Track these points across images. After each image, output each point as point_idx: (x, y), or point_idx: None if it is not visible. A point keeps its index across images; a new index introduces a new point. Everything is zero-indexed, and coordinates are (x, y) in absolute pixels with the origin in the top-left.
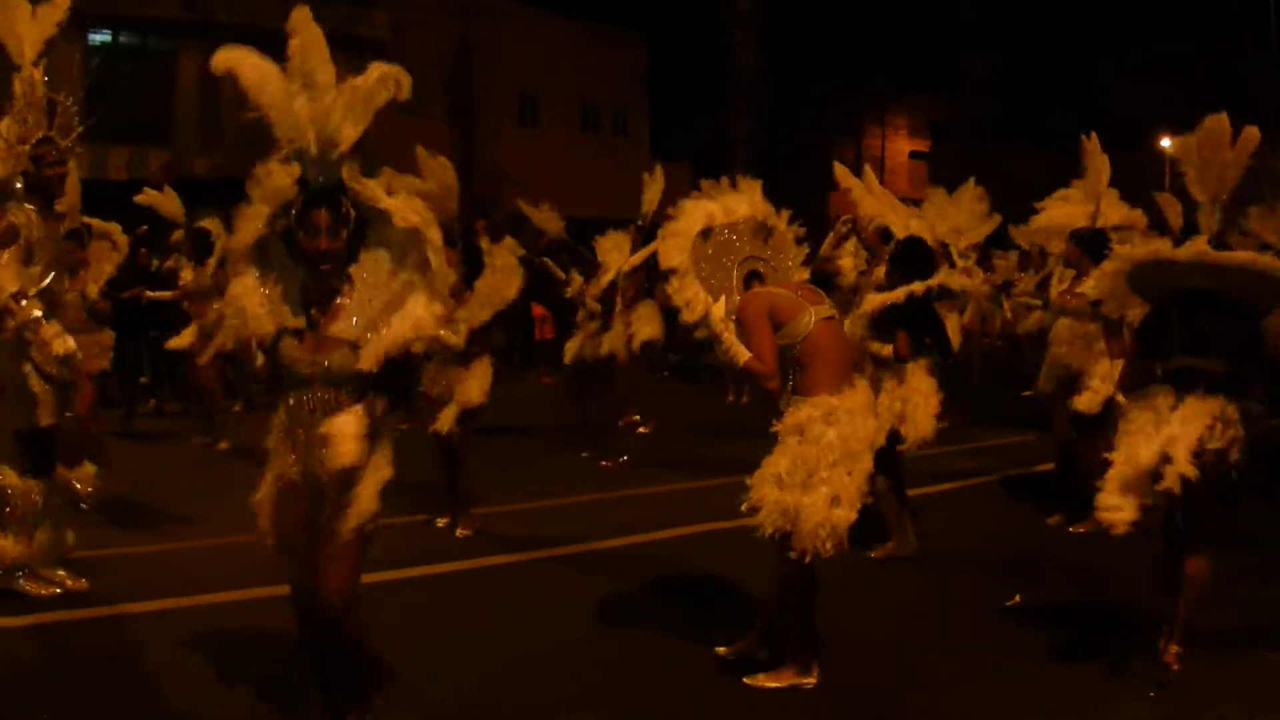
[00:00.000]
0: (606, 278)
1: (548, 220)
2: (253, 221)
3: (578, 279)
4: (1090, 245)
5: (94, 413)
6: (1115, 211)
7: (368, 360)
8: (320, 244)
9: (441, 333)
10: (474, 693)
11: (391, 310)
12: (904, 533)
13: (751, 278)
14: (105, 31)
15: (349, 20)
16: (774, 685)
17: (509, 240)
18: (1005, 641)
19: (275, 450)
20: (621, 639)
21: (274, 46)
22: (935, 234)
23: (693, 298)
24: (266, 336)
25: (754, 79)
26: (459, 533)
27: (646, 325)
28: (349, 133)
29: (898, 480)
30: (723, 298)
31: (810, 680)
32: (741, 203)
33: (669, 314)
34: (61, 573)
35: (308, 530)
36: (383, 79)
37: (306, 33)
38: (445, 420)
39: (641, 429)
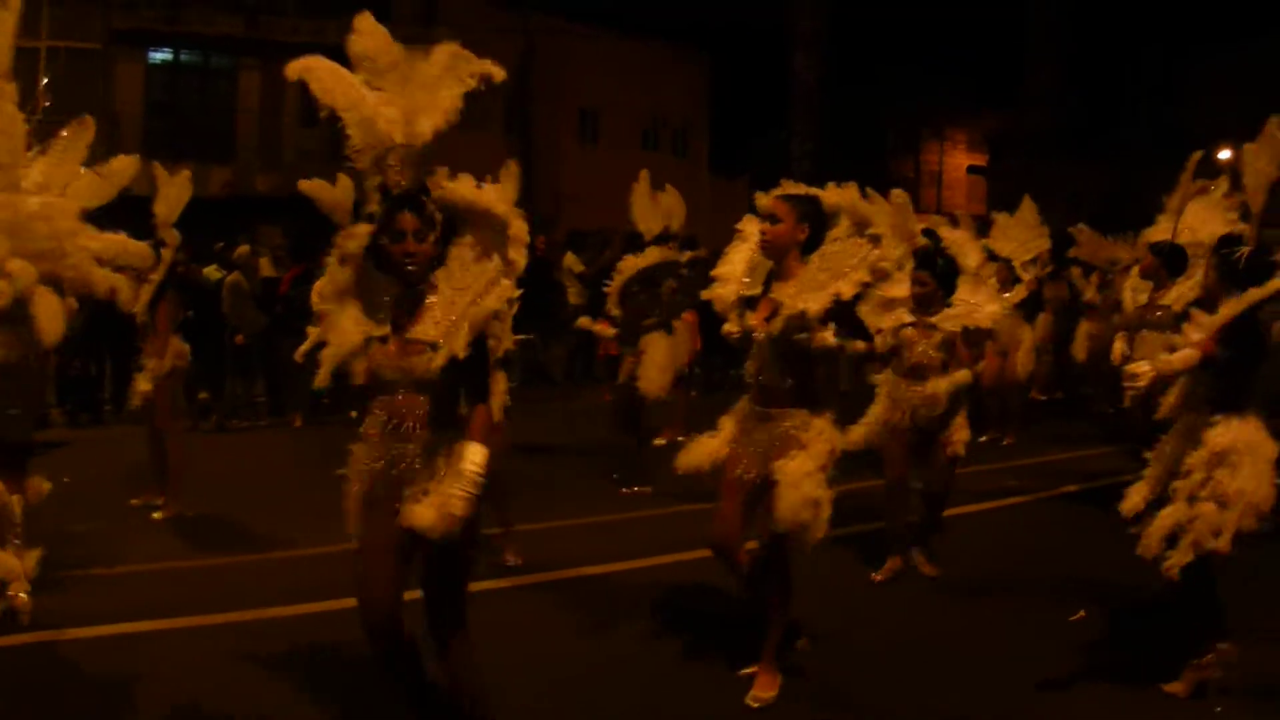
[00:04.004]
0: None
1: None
2: (355, 241)
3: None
4: (1170, 258)
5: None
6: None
7: (449, 349)
8: (407, 247)
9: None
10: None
11: (474, 306)
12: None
13: None
14: (166, 50)
15: (411, 39)
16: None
17: (569, 256)
18: (1057, 659)
19: (361, 470)
20: (663, 658)
21: (337, 64)
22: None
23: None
24: (356, 348)
25: (814, 97)
26: (509, 560)
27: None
28: (427, 128)
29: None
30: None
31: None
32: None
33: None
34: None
35: (398, 560)
36: (453, 61)
37: (373, 34)
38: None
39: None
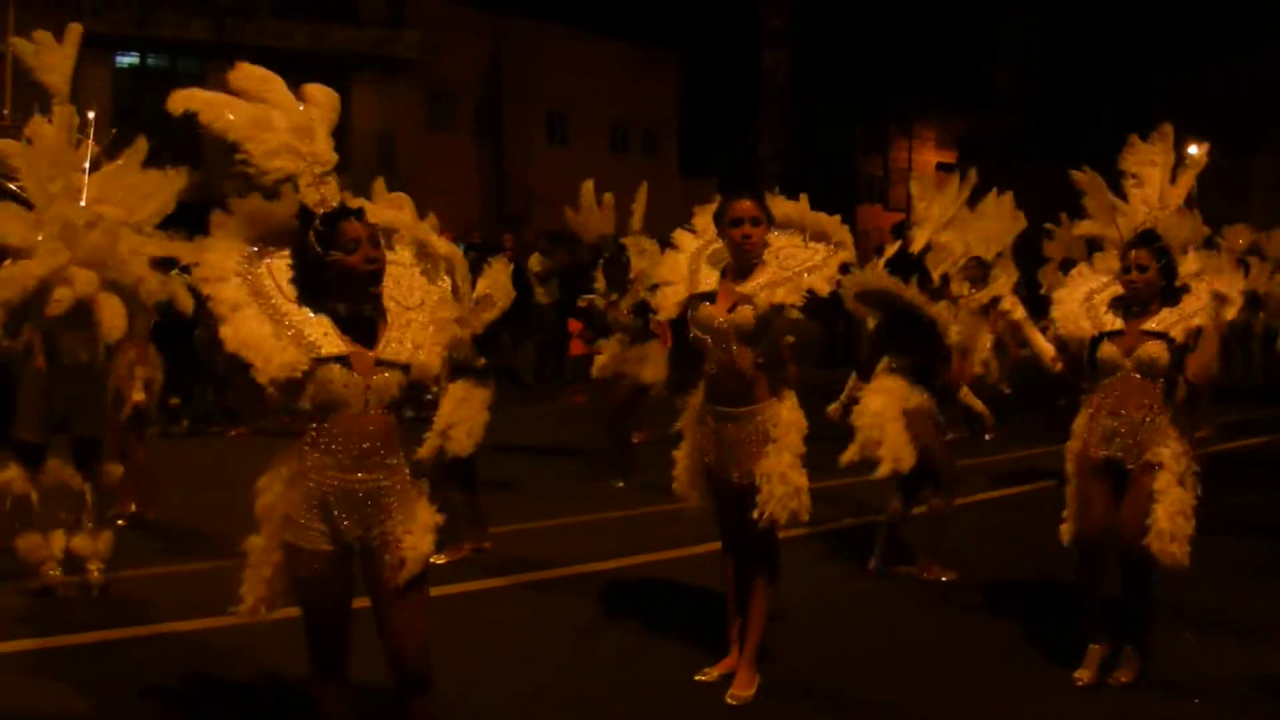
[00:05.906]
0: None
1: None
2: (235, 239)
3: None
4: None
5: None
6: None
7: (431, 369)
8: (368, 253)
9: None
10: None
11: (437, 328)
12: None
13: None
14: (133, 54)
15: (380, 41)
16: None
17: (535, 257)
18: (1040, 657)
19: (290, 511)
20: (641, 658)
21: (303, 67)
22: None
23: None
24: (298, 366)
25: (783, 95)
26: (445, 558)
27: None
28: (328, 149)
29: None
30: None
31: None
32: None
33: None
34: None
35: (345, 603)
36: (330, 101)
37: (258, 74)
38: (464, 443)
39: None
